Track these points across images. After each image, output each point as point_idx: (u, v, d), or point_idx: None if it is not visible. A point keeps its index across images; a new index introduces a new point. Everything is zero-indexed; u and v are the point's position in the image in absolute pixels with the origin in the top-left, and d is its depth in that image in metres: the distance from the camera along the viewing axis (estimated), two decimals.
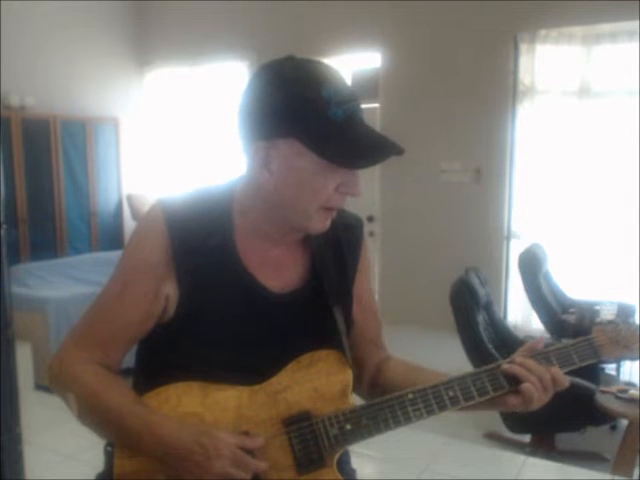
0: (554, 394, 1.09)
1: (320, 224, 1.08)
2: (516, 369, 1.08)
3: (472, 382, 1.09)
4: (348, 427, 1.07)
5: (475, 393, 1.08)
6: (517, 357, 1.11)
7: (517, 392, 1.07)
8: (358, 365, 1.25)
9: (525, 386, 1.06)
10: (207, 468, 0.97)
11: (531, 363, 1.08)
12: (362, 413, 1.07)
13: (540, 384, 1.06)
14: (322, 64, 1.05)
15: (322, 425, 1.07)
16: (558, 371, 1.09)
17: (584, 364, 1.15)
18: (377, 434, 1.07)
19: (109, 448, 1.09)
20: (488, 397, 1.08)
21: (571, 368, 1.13)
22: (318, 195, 1.04)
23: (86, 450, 2.72)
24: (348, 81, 1.06)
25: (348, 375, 1.12)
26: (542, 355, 1.11)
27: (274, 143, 1.01)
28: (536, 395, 1.06)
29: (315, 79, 1.01)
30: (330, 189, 1.04)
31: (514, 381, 1.08)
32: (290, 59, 1.05)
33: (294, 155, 1.01)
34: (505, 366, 1.09)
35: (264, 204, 1.08)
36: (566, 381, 1.09)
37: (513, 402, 1.08)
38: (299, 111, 0.99)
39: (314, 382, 1.10)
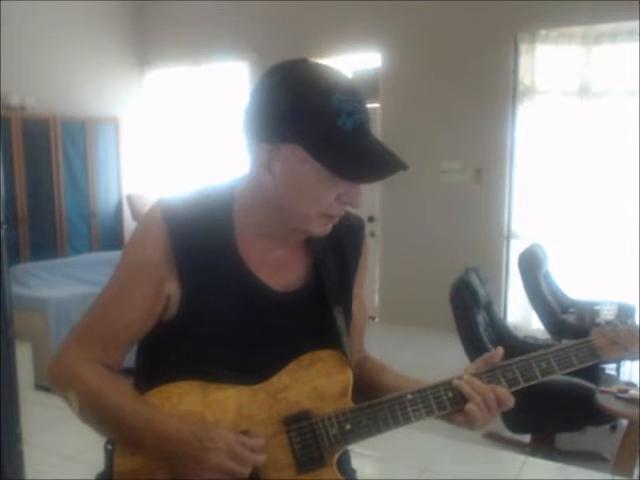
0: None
1: (320, 229, 1.08)
2: (463, 387, 1.08)
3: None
4: (348, 427, 1.07)
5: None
6: (465, 374, 1.11)
7: (462, 411, 1.07)
8: None
9: (469, 407, 1.06)
10: (204, 461, 0.97)
11: (476, 382, 1.08)
12: (362, 413, 1.08)
13: (484, 404, 1.06)
14: (335, 70, 1.03)
15: (322, 425, 1.07)
16: (503, 391, 1.08)
17: (583, 366, 1.15)
18: (377, 434, 1.07)
19: (109, 446, 1.09)
20: (434, 416, 1.08)
21: (570, 370, 1.13)
22: (318, 202, 1.04)
23: (86, 450, 2.72)
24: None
25: (348, 375, 1.12)
26: (493, 372, 1.11)
27: (278, 147, 1.00)
28: (479, 416, 1.06)
29: (327, 86, 0.98)
30: (330, 198, 1.03)
31: (463, 398, 1.07)
32: (303, 62, 1.03)
33: (297, 161, 1.00)
34: (455, 382, 1.09)
35: (265, 204, 1.08)
36: (511, 401, 1.08)
37: (459, 420, 1.08)
38: (306, 118, 0.97)
39: (314, 382, 1.10)
